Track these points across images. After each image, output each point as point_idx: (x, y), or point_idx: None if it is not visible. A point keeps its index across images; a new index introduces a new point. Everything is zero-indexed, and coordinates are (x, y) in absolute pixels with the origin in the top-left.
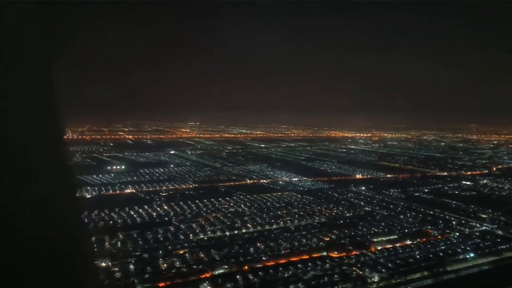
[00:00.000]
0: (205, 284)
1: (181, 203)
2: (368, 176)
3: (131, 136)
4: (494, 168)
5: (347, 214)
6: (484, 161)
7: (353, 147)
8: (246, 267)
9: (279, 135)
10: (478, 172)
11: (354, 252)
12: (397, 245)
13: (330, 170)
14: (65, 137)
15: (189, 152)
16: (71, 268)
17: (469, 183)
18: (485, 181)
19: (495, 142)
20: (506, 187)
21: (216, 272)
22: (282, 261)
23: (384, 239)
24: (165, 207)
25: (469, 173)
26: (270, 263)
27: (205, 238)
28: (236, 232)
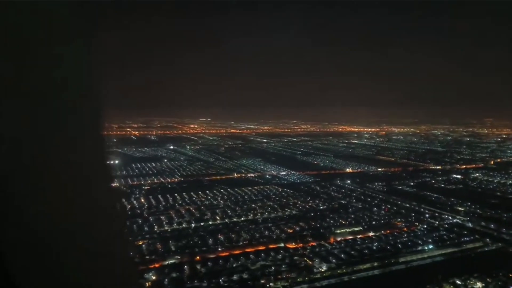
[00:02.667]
0: (150, 274)
1: (159, 196)
2: (359, 170)
3: (136, 132)
4: (492, 162)
5: (321, 207)
6: (484, 155)
7: (355, 141)
8: (198, 257)
9: (286, 130)
10: (474, 165)
11: (312, 243)
12: (359, 236)
13: (322, 164)
14: (103, 132)
15: (188, 147)
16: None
17: (459, 176)
18: (477, 174)
19: (504, 136)
20: (495, 181)
21: (166, 262)
22: (236, 252)
23: (347, 230)
24: (142, 200)
25: (464, 166)
26: (223, 254)
27: (169, 230)
28: (202, 224)
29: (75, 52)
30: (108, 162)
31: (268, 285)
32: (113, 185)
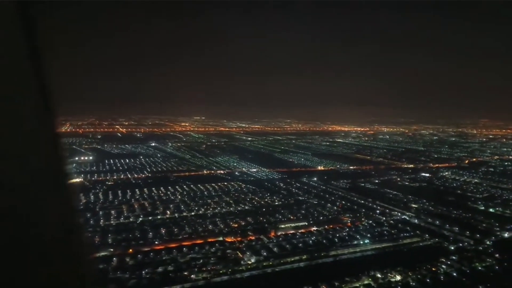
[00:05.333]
0: None
1: (119, 191)
2: (330, 167)
3: (124, 130)
4: (467, 161)
5: (276, 203)
6: (462, 154)
7: (339, 140)
8: (131, 250)
9: (276, 129)
10: (447, 164)
11: (251, 238)
12: (300, 231)
13: (296, 162)
14: (57, 134)
15: (170, 144)
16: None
17: (427, 175)
18: (446, 173)
19: (490, 137)
20: (461, 179)
21: (97, 255)
22: (172, 245)
23: (292, 225)
24: (100, 195)
25: (436, 165)
26: (158, 247)
27: (114, 224)
28: (150, 218)
29: (15, 50)
30: (62, 159)
31: (190, 277)
32: (68, 182)
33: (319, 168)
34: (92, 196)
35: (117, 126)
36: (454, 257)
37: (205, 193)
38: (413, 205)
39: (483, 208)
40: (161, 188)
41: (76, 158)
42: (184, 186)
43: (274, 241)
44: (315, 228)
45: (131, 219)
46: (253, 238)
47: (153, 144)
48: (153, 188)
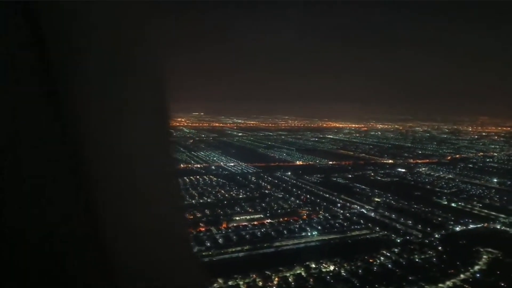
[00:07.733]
0: None
1: None
2: (309, 162)
3: None
4: (449, 157)
5: (240, 196)
6: (448, 151)
7: (330, 136)
8: None
9: (270, 125)
10: (427, 160)
11: (201, 229)
12: (253, 223)
13: (277, 157)
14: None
15: None
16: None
17: (403, 170)
18: (422, 169)
19: (483, 134)
20: (436, 175)
21: None
22: None
23: (246, 217)
24: None
25: (416, 161)
26: None
27: None
28: None
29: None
30: (173, 155)
31: None
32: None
33: (298, 163)
34: None
35: None
36: (396, 249)
37: None
38: (376, 199)
39: (445, 203)
40: None
41: None
42: None
43: (223, 232)
44: (268, 221)
45: None
46: (203, 229)
47: None
48: None
